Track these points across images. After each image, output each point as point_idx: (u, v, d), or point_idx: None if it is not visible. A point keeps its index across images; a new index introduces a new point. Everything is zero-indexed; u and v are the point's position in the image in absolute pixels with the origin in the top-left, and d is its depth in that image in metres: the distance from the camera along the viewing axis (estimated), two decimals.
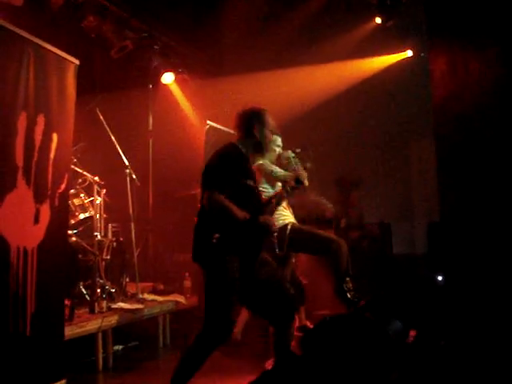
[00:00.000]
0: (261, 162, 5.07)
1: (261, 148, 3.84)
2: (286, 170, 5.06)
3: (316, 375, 3.67)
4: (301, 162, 4.93)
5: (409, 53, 8.16)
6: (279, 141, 5.30)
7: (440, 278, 5.89)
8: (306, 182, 5.14)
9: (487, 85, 5.07)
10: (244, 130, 3.82)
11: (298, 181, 3.95)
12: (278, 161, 5.23)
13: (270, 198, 4.02)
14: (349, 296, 4.84)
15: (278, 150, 5.25)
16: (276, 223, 4.82)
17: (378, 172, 8.43)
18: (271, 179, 5.11)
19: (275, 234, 3.75)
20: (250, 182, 3.71)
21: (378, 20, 7.59)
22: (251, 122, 3.80)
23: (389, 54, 8.19)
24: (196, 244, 3.66)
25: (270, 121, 3.87)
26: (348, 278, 4.88)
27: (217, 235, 3.52)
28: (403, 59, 8.19)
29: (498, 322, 4.54)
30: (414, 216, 8.53)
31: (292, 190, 4.01)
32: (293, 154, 5.01)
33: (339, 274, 4.93)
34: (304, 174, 4.96)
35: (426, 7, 5.70)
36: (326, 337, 3.95)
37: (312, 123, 8.15)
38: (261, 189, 4.95)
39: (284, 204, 5.03)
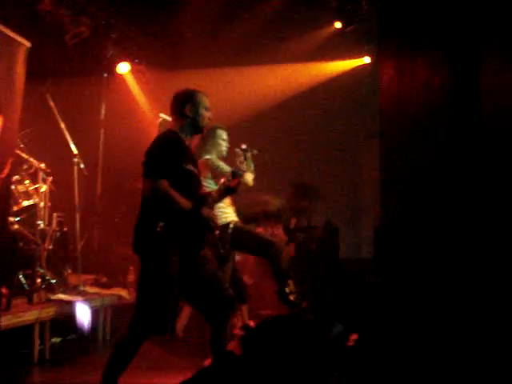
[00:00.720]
0: (207, 156, 5.03)
1: (197, 127, 3.77)
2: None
3: (254, 375, 3.65)
4: (248, 160, 4.92)
5: (366, 59, 8.24)
6: (225, 135, 5.25)
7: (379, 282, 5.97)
8: (251, 183, 5.12)
9: (434, 89, 5.16)
10: (177, 112, 3.76)
11: (235, 174, 3.85)
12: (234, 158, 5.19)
13: (211, 192, 3.94)
14: (291, 298, 4.86)
15: (224, 144, 5.21)
16: (218, 221, 4.80)
17: (328, 175, 8.48)
18: (217, 175, 5.06)
19: (216, 231, 3.69)
20: (190, 167, 3.66)
21: (338, 24, 7.65)
22: (183, 103, 3.74)
23: (347, 58, 8.26)
24: (137, 233, 3.58)
25: (204, 99, 3.79)
26: (290, 281, 4.89)
27: (161, 224, 3.45)
28: (360, 65, 8.26)
29: (437, 324, 4.64)
30: (362, 221, 8.63)
31: (229, 188, 3.91)
32: (242, 155, 4.99)
33: (280, 277, 4.96)
34: (249, 170, 4.95)
35: (379, 13, 5.78)
36: (267, 336, 3.94)
37: (265, 123, 8.16)
38: (204, 184, 4.91)
39: (227, 201, 4.99)
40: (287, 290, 4.92)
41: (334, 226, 7.92)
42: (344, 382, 3.78)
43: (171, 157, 3.54)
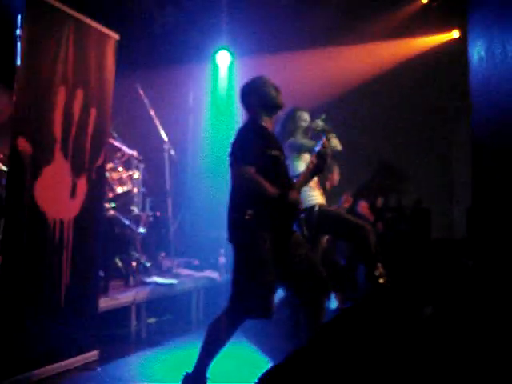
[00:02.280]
0: (291, 139, 5.03)
1: (270, 106, 3.78)
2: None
3: (348, 356, 3.65)
4: (329, 128, 4.88)
5: (455, 34, 7.96)
6: (306, 115, 5.21)
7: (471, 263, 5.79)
8: (339, 146, 5.07)
9: None
10: (246, 101, 3.81)
11: (320, 155, 3.81)
12: (310, 134, 5.16)
13: (297, 176, 3.95)
14: (381, 281, 4.79)
15: (304, 124, 5.17)
16: (303, 203, 4.79)
17: (417, 155, 8.30)
18: (302, 153, 5.05)
19: (302, 214, 3.69)
20: (276, 152, 3.68)
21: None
22: (247, 90, 3.80)
23: (435, 34, 8.00)
24: (229, 223, 3.66)
25: (264, 81, 3.81)
26: (379, 264, 4.82)
27: (250, 211, 3.51)
28: (449, 40, 7.99)
29: None
30: (454, 201, 8.39)
31: (315, 169, 3.88)
32: (321, 122, 4.95)
33: (368, 261, 4.89)
34: (334, 139, 4.91)
35: None
36: (359, 319, 3.93)
37: (350, 105, 8.05)
38: (292, 167, 4.91)
39: (313, 184, 4.95)
40: (376, 273, 4.86)
41: (425, 206, 7.75)
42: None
43: (256, 144, 3.58)
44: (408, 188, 7.93)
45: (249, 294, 3.52)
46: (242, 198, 3.58)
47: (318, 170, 3.83)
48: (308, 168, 3.81)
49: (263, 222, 3.54)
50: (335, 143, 5.03)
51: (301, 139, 5.08)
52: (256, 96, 3.76)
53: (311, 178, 3.91)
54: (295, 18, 7.89)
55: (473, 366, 3.37)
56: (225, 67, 8.32)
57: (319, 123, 4.92)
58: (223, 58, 8.21)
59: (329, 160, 3.85)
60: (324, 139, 3.89)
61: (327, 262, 5.51)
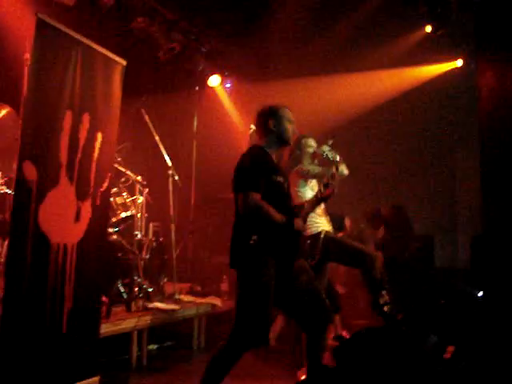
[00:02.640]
0: (298, 166, 5.05)
1: (283, 140, 3.80)
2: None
3: None
4: (336, 154, 4.89)
5: (458, 63, 8.00)
6: (312, 141, 5.24)
7: (480, 293, 5.75)
8: (346, 171, 5.07)
9: None
10: (261, 128, 3.82)
11: (327, 185, 3.83)
12: (317, 159, 5.17)
13: (303, 203, 3.95)
14: (385, 309, 4.75)
15: (311, 150, 5.20)
16: (309, 230, 4.78)
17: (421, 183, 8.29)
18: (309, 178, 5.06)
19: (307, 241, 3.69)
20: (279, 178, 3.68)
21: (428, 29, 7.47)
22: (266, 118, 3.79)
23: (438, 63, 8.05)
24: (233, 249, 3.65)
25: (287, 113, 3.81)
26: (384, 292, 4.79)
27: (255, 237, 3.50)
28: (452, 69, 8.03)
29: None
30: (458, 229, 8.36)
31: (321, 197, 3.90)
32: (328, 148, 4.95)
33: (374, 288, 4.86)
34: (341, 164, 4.91)
35: (475, 17, 5.55)
36: (361, 348, 3.89)
37: (356, 130, 8.08)
38: (299, 193, 4.91)
39: (319, 211, 4.96)
40: (381, 301, 4.83)
41: (430, 235, 7.71)
42: None
43: (261, 170, 3.59)
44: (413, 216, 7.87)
45: (249, 322, 3.50)
46: (247, 223, 3.57)
47: (324, 199, 3.84)
48: (316, 196, 3.81)
49: (268, 247, 3.53)
50: (342, 168, 5.04)
51: (307, 165, 5.09)
52: (273, 123, 3.76)
53: (317, 206, 3.91)
54: (299, 45, 7.98)
55: None
56: (227, 93, 8.38)
57: (325, 149, 4.93)
58: (226, 84, 8.28)
59: (336, 190, 3.85)
60: (334, 170, 3.91)
61: (329, 288, 5.46)
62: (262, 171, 3.59)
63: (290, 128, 3.81)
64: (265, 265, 3.51)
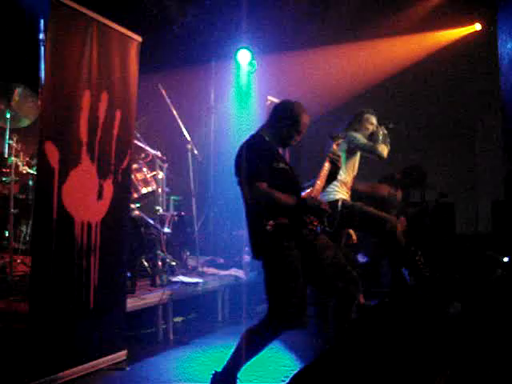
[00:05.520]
0: (352, 132, 5.12)
1: (283, 143, 3.79)
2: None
3: (374, 354, 3.65)
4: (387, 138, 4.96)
5: (477, 26, 7.86)
6: (374, 119, 5.31)
7: (506, 259, 5.72)
8: (385, 155, 5.09)
9: None
10: (271, 119, 3.79)
11: (332, 161, 3.80)
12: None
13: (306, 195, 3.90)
14: (419, 263, 4.77)
15: (371, 128, 5.22)
16: (327, 197, 4.79)
17: (442, 150, 8.24)
18: (352, 147, 5.13)
19: (328, 212, 3.65)
20: (282, 165, 3.66)
21: None
22: (284, 114, 3.74)
23: (456, 27, 7.93)
24: (252, 238, 3.64)
25: (303, 119, 3.74)
26: (413, 248, 4.81)
27: (271, 222, 3.48)
28: (471, 33, 7.90)
29: None
30: (478, 194, 8.31)
31: (332, 165, 3.86)
32: (385, 131, 5.14)
33: (401, 249, 4.84)
34: (386, 147, 4.95)
35: None
36: (385, 316, 3.92)
37: (374, 100, 8.00)
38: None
39: (341, 180, 4.96)
40: (418, 261, 4.84)
41: (449, 201, 7.67)
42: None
43: (263, 158, 3.57)
44: (431, 184, 7.83)
45: (284, 307, 3.50)
46: (260, 213, 3.54)
47: (331, 174, 3.81)
48: (323, 174, 3.78)
49: (285, 231, 3.52)
50: (383, 150, 5.07)
51: (360, 136, 5.14)
52: (289, 126, 3.72)
53: (328, 183, 3.88)
54: (316, 15, 7.88)
55: (498, 365, 3.34)
56: (245, 65, 8.33)
57: (382, 131, 5.02)
58: (243, 57, 8.23)
59: (339, 164, 3.83)
60: (333, 144, 3.89)
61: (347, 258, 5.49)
62: (264, 159, 3.57)
63: (296, 138, 3.78)
64: (287, 248, 3.52)
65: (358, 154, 5.25)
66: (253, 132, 3.82)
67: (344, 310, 3.77)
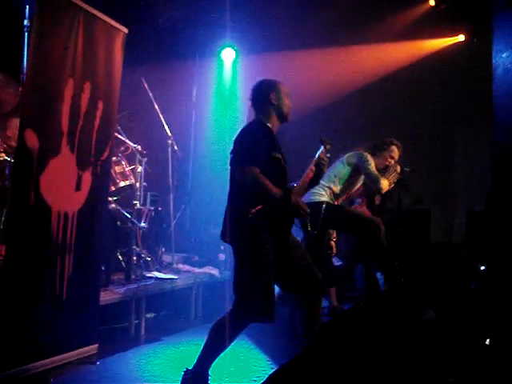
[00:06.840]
0: (366, 153, 5.11)
1: (282, 114, 3.77)
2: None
3: (344, 359, 3.65)
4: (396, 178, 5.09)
5: (460, 37, 7.95)
6: (396, 155, 5.34)
7: (482, 267, 5.77)
8: (383, 190, 5.14)
9: None
10: (262, 100, 3.76)
11: (317, 164, 3.83)
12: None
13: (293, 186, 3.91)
14: (397, 268, 4.81)
15: (390, 161, 5.28)
16: (312, 197, 4.81)
17: (419, 157, 8.28)
18: (359, 172, 5.16)
19: (307, 216, 3.65)
20: (278, 155, 3.67)
21: (432, 2, 7.44)
22: (267, 91, 3.74)
23: (440, 37, 7.99)
24: (229, 221, 3.62)
25: (284, 87, 3.79)
26: (394, 252, 4.85)
27: (254, 210, 3.48)
28: (454, 44, 7.98)
29: None
30: (455, 204, 8.38)
31: (317, 169, 3.88)
32: (398, 172, 5.19)
33: (383, 252, 4.88)
34: (389, 185, 5.06)
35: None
36: (357, 321, 3.93)
37: (355, 105, 8.04)
38: (339, 165, 5.01)
39: (323, 182, 4.98)
40: (394, 262, 4.88)
41: (425, 208, 7.71)
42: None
43: (262, 145, 3.57)
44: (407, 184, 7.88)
45: (252, 297, 3.49)
46: (245, 198, 3.55)
47: (316, 178, 3.82)
48: (307, 175, 3.78)
49: (266, 222, 3.52)
50: (384, 186, 5.14)
51: (372, 162, 5.16)
52: (274, 96, 3.73)
53: (309, 186, 3.89)
54: (301, 17, 7.88)
55: (474, 371, 3.38)
56: (229, 64, 8.31)
57: (395, 169, 5.14)
58: (228, 55, 8.21)
59: (325, 169, 3.85)
60: (322, 149, 3.90)
61: (327, 260, 5.49)
62: (263, 146, 3.57)
63: (288, 103, 3.79)
64: (264, 239, 3.51)
65: (362, 177, 5.27)
66: (254, 118, 3.80)
67: (309, 310, 3.76)
